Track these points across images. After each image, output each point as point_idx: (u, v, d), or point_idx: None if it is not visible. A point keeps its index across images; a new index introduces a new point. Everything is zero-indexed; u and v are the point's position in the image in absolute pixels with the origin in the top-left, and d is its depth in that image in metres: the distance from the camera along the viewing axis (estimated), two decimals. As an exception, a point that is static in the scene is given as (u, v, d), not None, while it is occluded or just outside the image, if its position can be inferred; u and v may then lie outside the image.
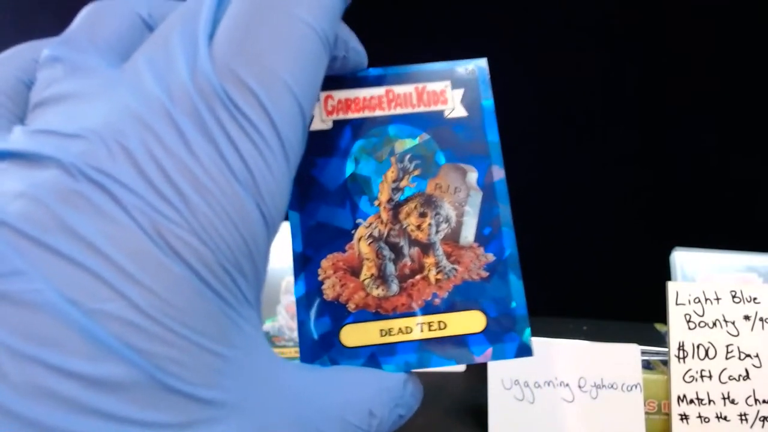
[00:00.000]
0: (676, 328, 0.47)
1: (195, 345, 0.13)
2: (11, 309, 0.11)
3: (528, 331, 0.20)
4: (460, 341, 0.20)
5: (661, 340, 0.56)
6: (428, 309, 0.20)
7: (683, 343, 0.47)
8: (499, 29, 0.70)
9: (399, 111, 0.21)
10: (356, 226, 0.20)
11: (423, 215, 0.20)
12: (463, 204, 0.20)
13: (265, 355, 0.15)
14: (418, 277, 0.20)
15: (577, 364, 0.48)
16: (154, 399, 0.12)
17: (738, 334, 0.47)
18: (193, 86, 0.14)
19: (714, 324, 0.47)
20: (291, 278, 0.45)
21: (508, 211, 0.20)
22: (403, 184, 0.20)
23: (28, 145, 0.13)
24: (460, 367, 0.64)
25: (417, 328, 0.20)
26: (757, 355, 0.47)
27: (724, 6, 0.65)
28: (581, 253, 0.70)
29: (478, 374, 0.52)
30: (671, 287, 0.48)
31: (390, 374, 0.19)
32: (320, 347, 0.19)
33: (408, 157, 0.20)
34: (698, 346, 0.47)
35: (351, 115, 0.20)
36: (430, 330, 0.20)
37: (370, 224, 0.20)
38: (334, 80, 0.20)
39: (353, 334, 0.19)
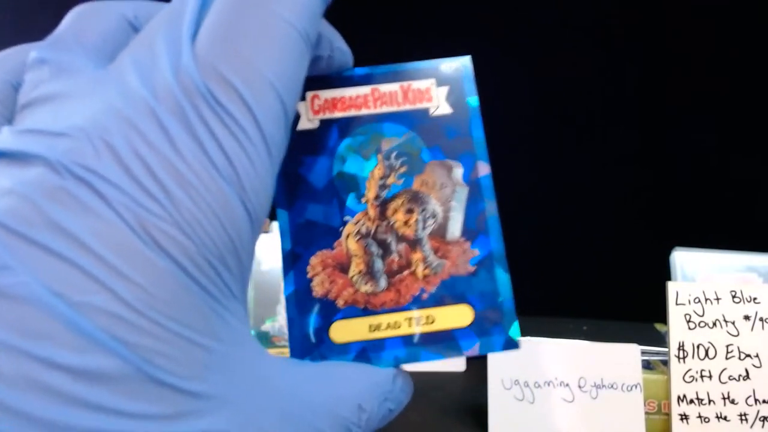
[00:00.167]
0: (676, 328, 0.47)
1: (181, 337, 0.13)
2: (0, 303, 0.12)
3: (515, 324, 0.20)
4: (448, 336, 0.20)
5: (661, 340, 0.56)
6: (416, 304, 0.20)
7: (683, 343, 0.47)
8: (499, 29, 0.70)
9: (385, 109, 0.21)
10: (344, 223, 0.20)
11: (410, 211, 0.20)
12: (450, 200, 0.20)
13: (252, 348, 0.15)
14: (405, 272, 0.20)
15: (577, 364, 0.48)
16: (142, 391, 0.12)
17: (738, 334, 0.47)
18: (177, 84, 0.14)
19: (714, 324, 0.47)
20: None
21: (494, 206, 0.20)
22: (389, 181, 0.21)
23: (15, 144, 0.14)
24: (460, 367, 0.64)
25: (405, 323, 0.20)
26: (757, 355, 0.47)
27: (724, 6, 0.65)
28: (581, 253, 0.70)
29: (478, 374, 0.52)
30: (671, 287, 0.48)
31: (379, 369, 0.19)
32: (310, 344, 0.20)
33: (394, 154, 0.21)
34: (698, 346, 0.47)
35: (337, 114, 0.21)
36: (418, 325, 0.20)
37: (358, 221, 0.20)
38: (320, 80, 0.21)
39: (342, 330, 0.20)
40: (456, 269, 0.20)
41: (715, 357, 0.47)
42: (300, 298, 0.20)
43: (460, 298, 0.20)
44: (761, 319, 0.47)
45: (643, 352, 0.50)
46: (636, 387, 0.48)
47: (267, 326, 0.59)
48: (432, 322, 0.20)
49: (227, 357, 0.14)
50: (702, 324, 0.47)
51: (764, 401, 0.46)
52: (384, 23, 0.71)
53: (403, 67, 0.21)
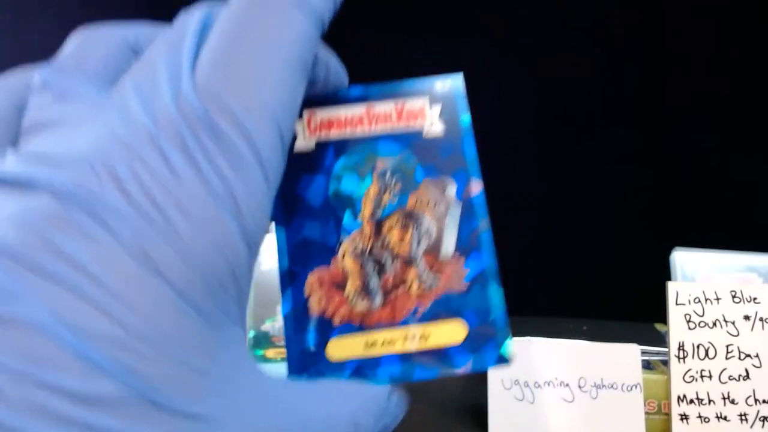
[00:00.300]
0: (676, 328, 0.47)
1: (181, 362, 0.13)
2: (6, 330, 0.12)
3: (507, 341, 0.20)
4: (442, 353, 0.20)
5: (661, 340, 0.56)
6: (411, 321, 0.20)
7: (683, 343, 0.47)
8: (499, 29, 0.70)
9: (380, 128, 0.21)
10: (340, 241, 0.21)
11: (405, 229, 0.21)
12: (443, 217, 0.21)
13: (251, 370, 0.16)
14: (400, 289, 0.20)
15: (577, 364, 0.49)
16: (142, 415, 0.13)
17: (738, 334, 0.47)
18: (177, 111, 0.14)
19: (714, 324, 0.47)
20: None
21: (487, 223, 0.21)
22: (385, 199, 0.21)
23: (19, 171, 0.14)
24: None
25: (400, 340, 0.20)
26: (757, 355, 0.47)
27: (724, 6, 0.65)
28: (581, 253, 0.70)
29: (478, 374, 0.52)
30: (671, 287, 0.48)
31: (374, 386, 0.19)
32: (307, 362, 0.20)
33: (389, 173, 0.21)
34: (698, 346, 0.47)
35: (333, 134, 0.21)
36: (412, 342, 0.20)
37: (354, 239, 0.21)
38: (316, 99, 0.21)
39: (339, 348, 0.20)
40: (450, 286, 0.20)
41: (715, 357, 0.47)
42: (297, 317, 0.20)
43: (454, 314, 0.20)
44: (761, 319, 0.47)
45: (643, 352, 0.50)
46: (636, 387, 0.48)
47: (267, 326, 0.59)
48: (426, 339, 0.20)
49: (226, 380, 0.15)
50: (702, 324, 0.47)
51: (764, 401, 0.46)
52: (384, 23, 0.71)
53: (397, 85, 0.22)
